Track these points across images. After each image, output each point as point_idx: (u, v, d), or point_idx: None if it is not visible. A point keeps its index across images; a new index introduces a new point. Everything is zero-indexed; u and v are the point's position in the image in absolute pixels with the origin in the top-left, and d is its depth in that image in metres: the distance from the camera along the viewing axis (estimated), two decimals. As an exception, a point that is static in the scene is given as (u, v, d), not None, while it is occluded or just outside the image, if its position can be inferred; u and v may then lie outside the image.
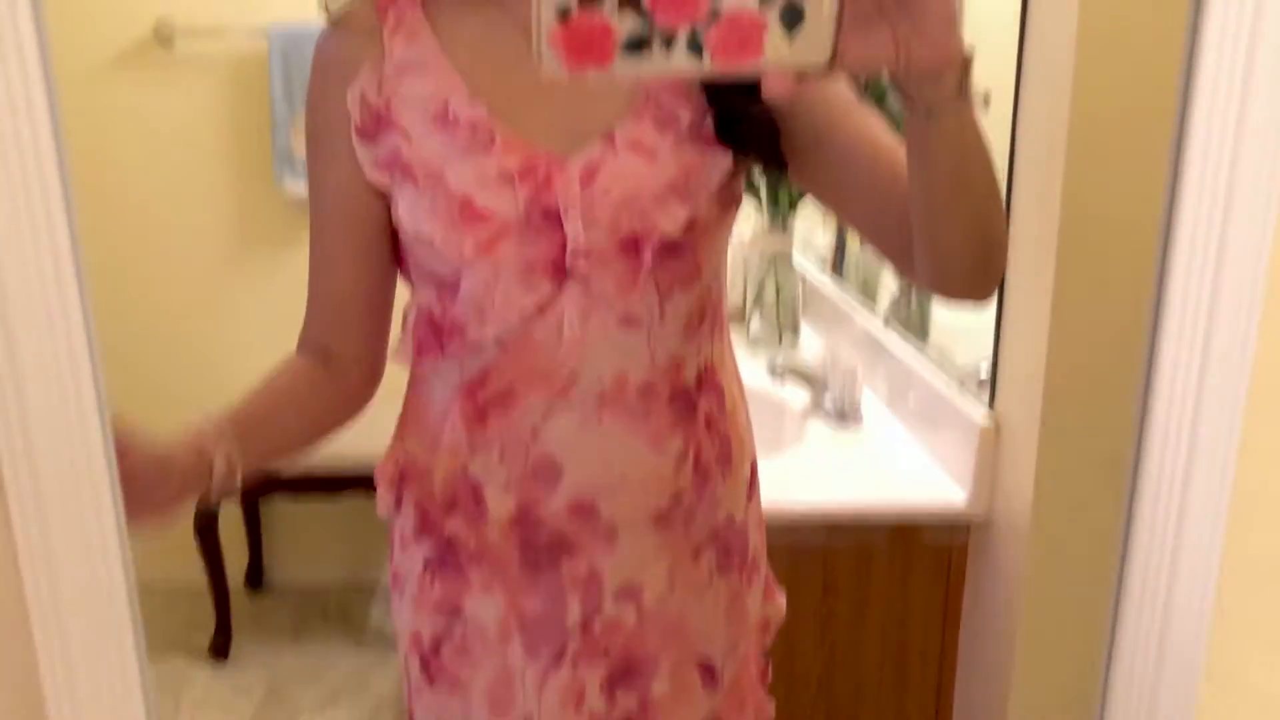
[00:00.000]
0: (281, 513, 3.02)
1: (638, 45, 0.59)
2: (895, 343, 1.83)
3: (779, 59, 0.61)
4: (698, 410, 1.00)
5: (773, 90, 0.62)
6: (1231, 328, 0.51)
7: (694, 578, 1.03)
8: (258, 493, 2.68)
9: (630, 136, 0.93)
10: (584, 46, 0.59)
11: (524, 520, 0.98)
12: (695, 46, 0.60)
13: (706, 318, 1.01)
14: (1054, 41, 1.24)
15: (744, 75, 0.62)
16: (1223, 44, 0.49)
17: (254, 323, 2.83)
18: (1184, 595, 0.56)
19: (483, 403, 0.97)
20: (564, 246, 0.92)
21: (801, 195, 2.09)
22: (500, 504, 0.98)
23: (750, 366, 2.00)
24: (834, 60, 0.62)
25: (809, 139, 0.94)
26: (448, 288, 0.96)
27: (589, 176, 0.92)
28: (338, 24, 0.99)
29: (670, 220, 0.93)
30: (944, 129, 0.74)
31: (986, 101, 0.76)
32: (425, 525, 1.03)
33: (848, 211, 0.98)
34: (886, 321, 1.92)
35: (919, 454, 1.65)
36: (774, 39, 0.60)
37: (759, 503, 1.11)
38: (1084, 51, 1.19)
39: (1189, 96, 0.51)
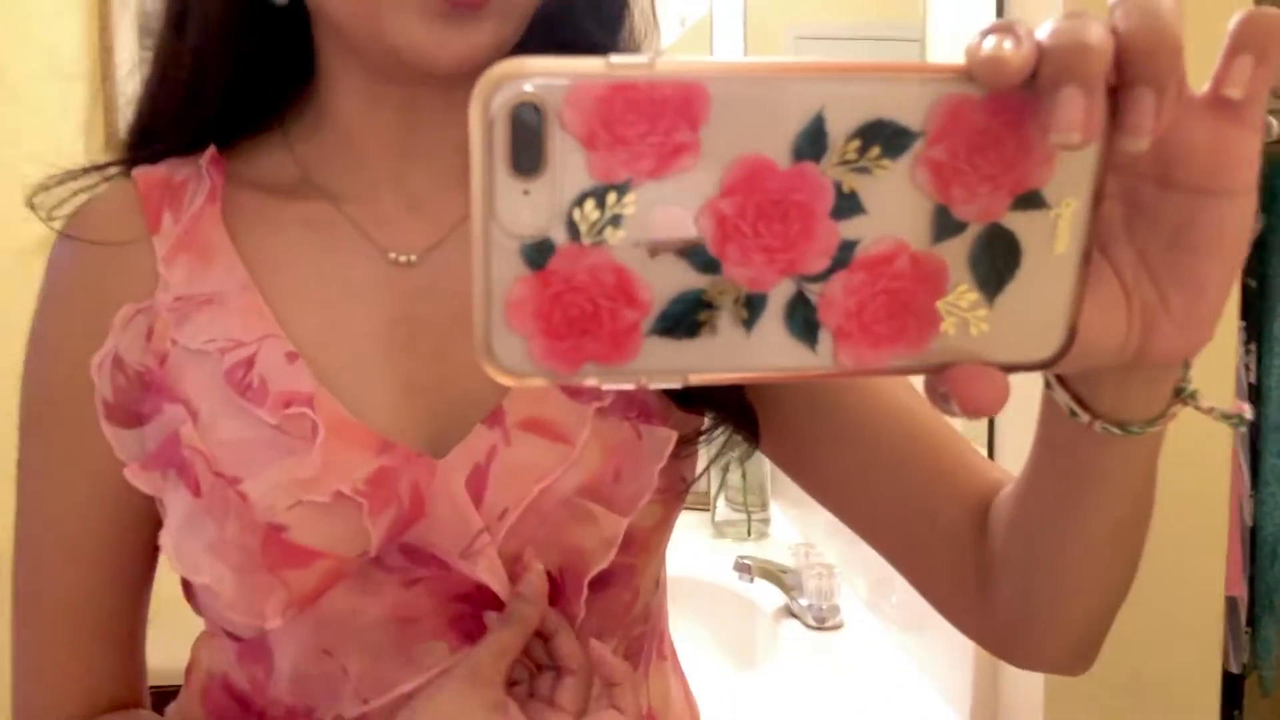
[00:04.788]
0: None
1: (686, 318, 0.30)
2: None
3: (967, 346, 0.32)
4: None
5: (972, 402, 0.33)
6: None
7: None
8: None
9: (527, 412, 0.59)
10: (580, 322, 0.30)
11: None
12: (803, 320, 0.31)
13: (644, 651, 0.69)
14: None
15: (896, 374, 0.34)
16: None
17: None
18: None
19: None
20: (442, 593, 0.59)
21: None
22: None
23: (716, 559, 1.82)
24: (1067, 349, 0.34)
25: (801, 401, 0.64)
26: (253, 654, 0.61)
27: (477, 484, 0.57)
28: (80, 224, 0.63)
29: (597, 540, 0.58)
30: (1132, 453, 0.46)
31: (1241, 422, 0.44)
32: None
33: (860, 519, 0.66)
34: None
35: (906, 664, 1.46)
36: (960, 306, 0.32)
37: None
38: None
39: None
